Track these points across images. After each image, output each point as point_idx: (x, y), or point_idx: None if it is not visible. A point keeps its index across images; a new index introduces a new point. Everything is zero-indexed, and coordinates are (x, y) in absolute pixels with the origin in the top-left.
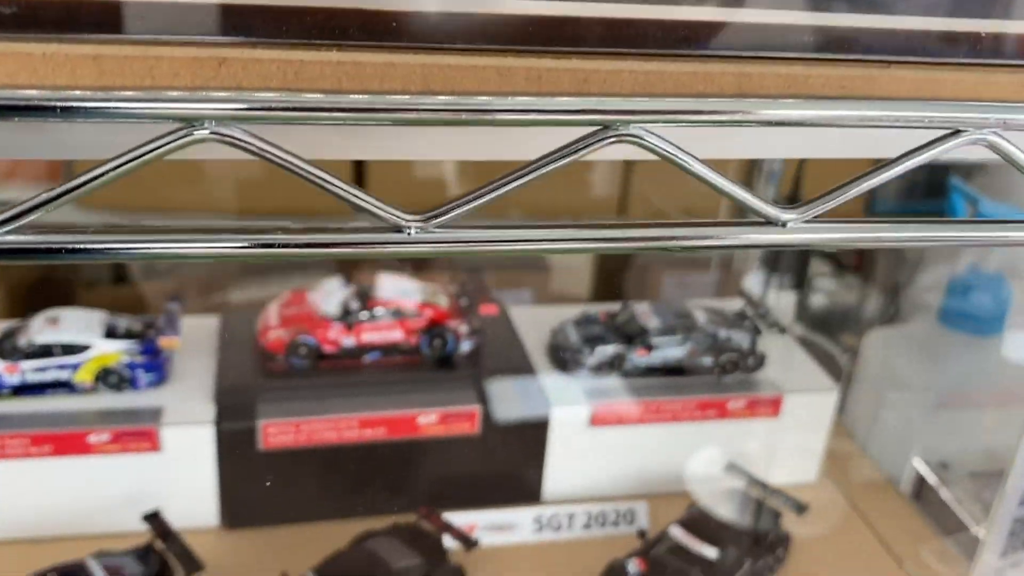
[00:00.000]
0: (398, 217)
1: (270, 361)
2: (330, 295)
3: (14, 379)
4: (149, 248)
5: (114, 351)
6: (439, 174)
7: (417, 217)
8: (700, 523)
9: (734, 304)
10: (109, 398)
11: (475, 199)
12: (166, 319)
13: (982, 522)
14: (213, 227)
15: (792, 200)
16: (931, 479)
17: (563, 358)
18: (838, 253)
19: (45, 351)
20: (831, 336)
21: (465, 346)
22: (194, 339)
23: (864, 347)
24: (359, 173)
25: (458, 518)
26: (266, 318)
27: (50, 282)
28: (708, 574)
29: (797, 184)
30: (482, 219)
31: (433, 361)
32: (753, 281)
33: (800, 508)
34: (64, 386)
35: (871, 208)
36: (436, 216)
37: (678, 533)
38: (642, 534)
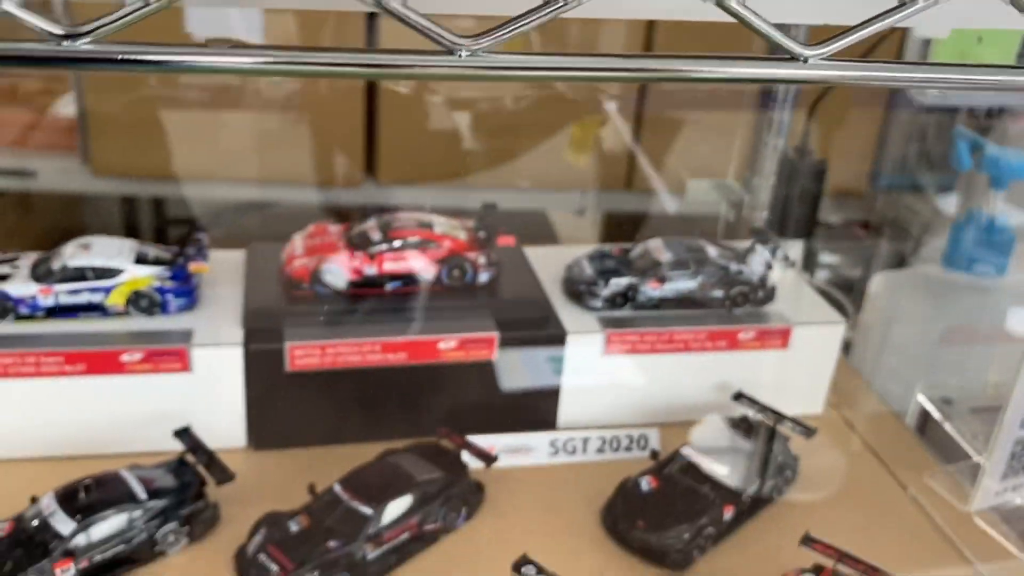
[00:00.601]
0: (450, 40)
1: (295, 289)
2: (353, 227)
3: (48, 301)
4: (207, 62)
5: (145, 276)
6: None
7: (469, 40)
8: (711, 445)
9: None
10: (140, 321)
11: (523, 24)
12: (194, 248)
13: (983, 452)
14: (273, 47)
15: None
16: (935, 413)
17: (578, 290)
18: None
19: (78, 275)
20: (838, 279)
21: (483, 277)
22: (222, 270)
23: (870, 289)
24: None
25: (476, 441)
26: (291, 248)
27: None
28: (718, 491)
29: None
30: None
31: (452, 291)
32: (764, 221)
33: (808, 432)
34: (96, 309)
35: (875, 179)
36: (487, 38)
37: (690, 453)
38: (655, 455)
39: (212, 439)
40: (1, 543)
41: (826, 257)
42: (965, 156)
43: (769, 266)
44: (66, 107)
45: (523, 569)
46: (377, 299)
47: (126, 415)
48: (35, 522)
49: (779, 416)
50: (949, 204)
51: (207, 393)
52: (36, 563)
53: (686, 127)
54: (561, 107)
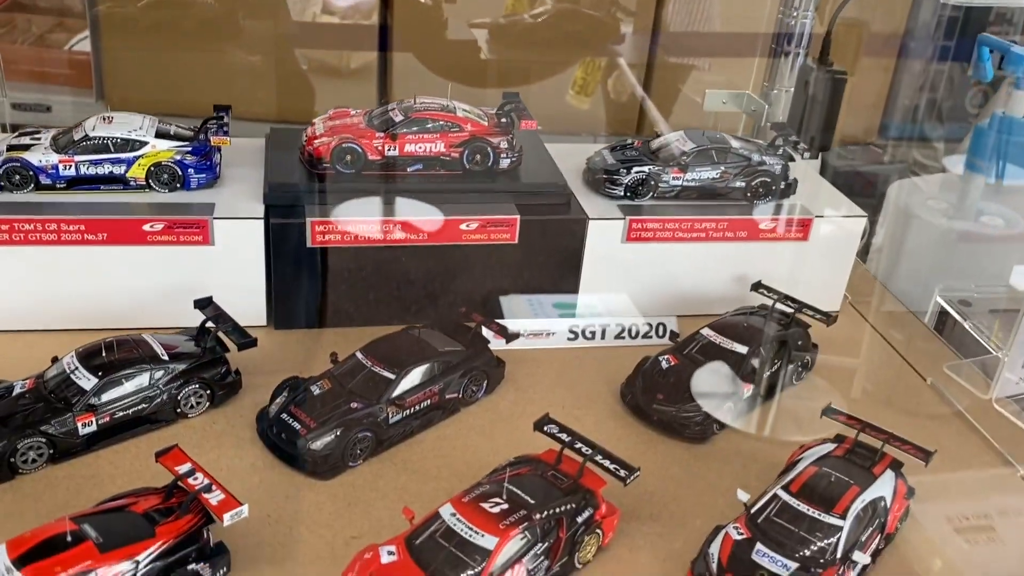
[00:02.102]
0: None
1: (316, 167)
2: (374, 109)
3: (69, 171)
4: None
5: (167, 149)
6: None
7: None
8: (731, 327)
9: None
10: (162, 195)
11: None
12: (216, 124)
13: (1002, 349)
14: None
15: None
16: (954, 313)
17: (599, 179)
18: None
19: (100, 147)
20: (855, 190)
21: (504, 162)
22: (242, 154)
23: (889, 194)
24: None
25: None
26: (312, 129)
27: None
28: (738, 368)
29: None
30: None
31: (473, 174)
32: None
33: (828, 318)
34: (117, 181)
35: (884, 130)
36: None
37: (709, 333)
38: (674, 336)
39: (233, 316)
40: (23, 397)
41: (843, 168)
42: (987, 64)
43: (791, 158)
44: (81, 44)
45: (545, 427)
46: (398, 180)
47: (147, 288)
48: (57, 378)
49: (799, 304)
50: (955, 164)
51: (229, 268)
52: (58, 416)
53: (697, 73)
54: (573, 47)
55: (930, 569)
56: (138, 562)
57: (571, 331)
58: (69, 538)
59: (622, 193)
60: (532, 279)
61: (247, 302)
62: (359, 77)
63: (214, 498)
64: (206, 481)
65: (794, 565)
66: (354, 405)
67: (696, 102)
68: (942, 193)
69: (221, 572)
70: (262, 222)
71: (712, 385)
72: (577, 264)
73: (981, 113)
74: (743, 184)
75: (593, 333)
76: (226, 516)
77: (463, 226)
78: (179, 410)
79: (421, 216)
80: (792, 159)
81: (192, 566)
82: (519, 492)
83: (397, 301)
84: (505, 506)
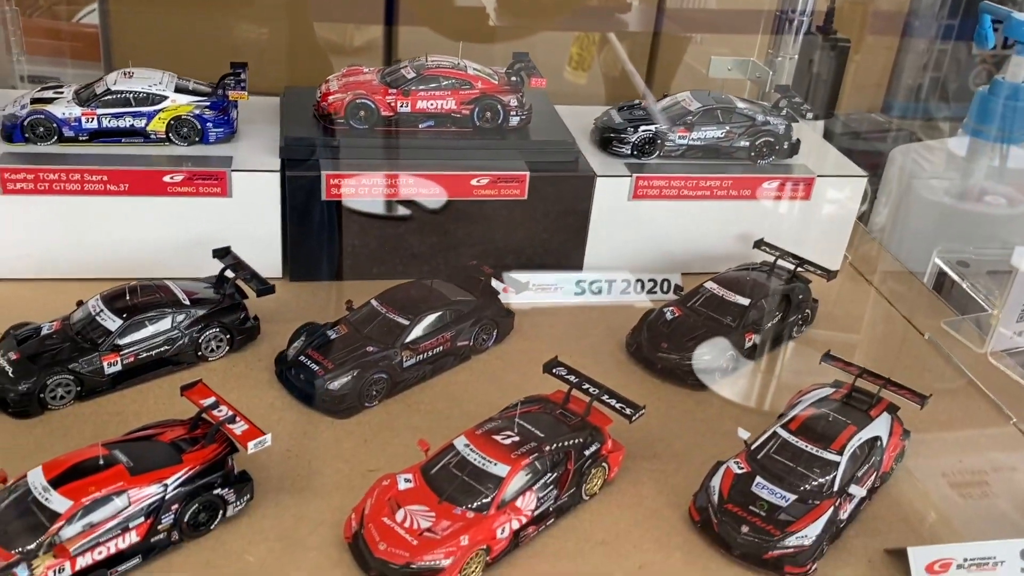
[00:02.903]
0: None
1: (330, 122)
2: (387, 67)
3: (91, 124)
4: None
5: (186, 103)
6: None
7: None
8: (734, 281)
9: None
10: (181, 148)
11: None
12: (233, 80)
13: (996, 307)
14: None
15: None
16: (951, 273)
17: (607, 138)
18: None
19: (122, 101)
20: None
21: (514, 120)
22: (258, 111)
23: (891, 159)
24: None
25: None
26: (326, 85)
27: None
28: (740, 320)
29: None
30: None
31: (483, 131)
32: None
33: (829, 274)
34: (138, 134)
35: (888, 108)
36: None
37: (713, 287)
38: (679, 290)
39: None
40: (51, 338)
41: (844, 136)
42: (989, 31)
43: (794, 119)
44: (89, 17)
45: (554, 369)
46: (410, 136)
47: (166, 237)
48: (84, 320)
49: (800, 260)
50: (958, 145)
51: (245, 220)
52: (85, 356)
53: (701, 43)
54: (580, 16)
55: (924, 521)
56: (166, 485)
57: (577, 285)
58: (101, 462)
59: (629, 151)
60: (540, 234)
61: (263, 253)
62: (364, 54)
63: (238, 428)
64: (229, 413)
65: (793, 496)
66: (370, 349)
67: (701, 72)
68: (945, 157)
69: (245, 498)
70: (278, 175)
71: (715, 335)
72: (584, 220)
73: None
74: (747, 144)
75: (599, 288)
76: (250, 444)
77: (474, 182)
78: (200, 353)
79: (433, 171)
80: (796, 120)
81: (217, 491)
82: (529, 427)
83: (409, 254)
84: (516, 438)
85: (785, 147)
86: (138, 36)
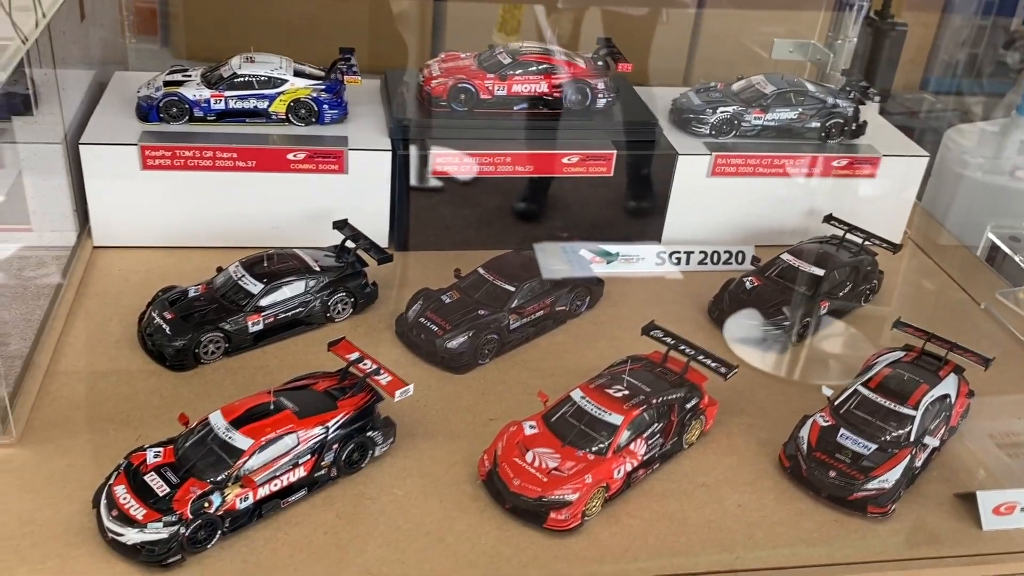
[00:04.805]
0: None
1: (434, 105)
2: (482, 52)
3: (219, 105)
4: None
5: (305, 87)
6: None
7: None
8: (808, 252)
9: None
10: (299, 128)
11: None
12: (346, 65)
13: None
14: None
15: None
16: (1004, 247)
17: (686, 119)
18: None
19: (246, 83)
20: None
21: (601, 102)
22: (360, 92)
23: (945, 138)
24: None
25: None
26: (428, 71)
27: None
28: (814, 288)
29: None
30: None
31: (572, 112)
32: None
33: (895, 247)
34: (260, 115)
35: (926, 84)
36: None
37: (788, 258)
38: (756, 261)
39: None
40: (199, 300)
41: (897, 115)
42: None
43: (861, 101)
44: None
45: (652, 332)
46: (505, 117)
47: (288, 210)
48: (227, 284)
49: (867, 234)
50: (1013, 126)
51: (359, 194)
52: (232, 316)
53: (746, 19)
54: None
55: (988, 470)
56: (328, 428)
57: (658, 256)
58: (272, 407)
59: (707, 131)
60: (624, 210)
61: (373, 225)
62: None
63: (383, 379)
64: (374, 366)
65: (874, 446)
66: (481, 312)
67: (739, 47)
68: (998, 136)
69: (389, 441)
70: (389, 153)
71: (792, 303)
72: (665, 196)
73: None
74: (818, 124)
75: (678, 259)
76: (397, 393)
77: (564, 160)
78: (328, 315)
79: (528, 150)
80: (863, 102)
81: (369, 433)
82: (636, 382)
83: (506, 226)
84: (626, 391)
85: (853, 128)
86: (194, 12)
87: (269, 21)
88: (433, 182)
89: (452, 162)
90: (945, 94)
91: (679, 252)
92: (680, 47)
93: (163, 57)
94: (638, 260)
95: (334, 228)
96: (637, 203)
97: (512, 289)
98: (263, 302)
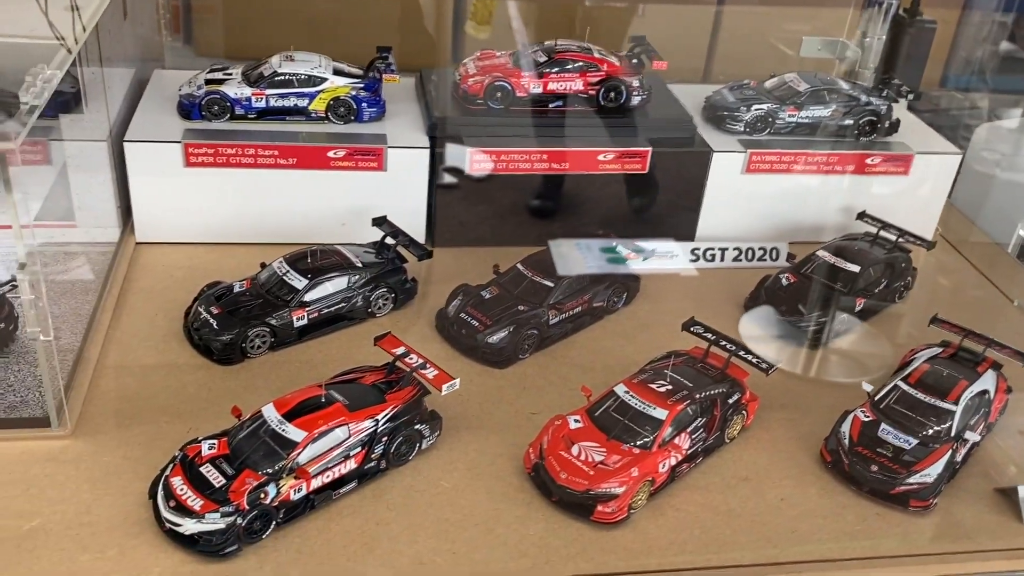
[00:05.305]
0: None
1: (471, 103)
2: (517, 52)
3: (260, 103)
4: None
5: (344, 85)
6: None
7: None
8: (843, 249)
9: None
10: (338, 126)
11: None
12: (384, 64)
13: None
14: None
15: None
16: None
17: (720, 116)
18: None
19: (286, 82)
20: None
21: (635, 99)
22: (395, 90)
23: (975, 137)
24: None
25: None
26: (464, 69)
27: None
28: (849, 285)
29: None
30: None
31: (607, 110)
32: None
33: (929, 244)
34: (300, 113)
35: (945, 81)
36: None
37: (824, 255)
38: (791, 257)
39: None
40: (243, 295)
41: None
42: None
43: (894, 99)
44: None
45: (692, 328)
46: (541, 115)
47: (327, 207)
48: (272, 279)
49: (901, 231)
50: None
51: (397, 192)
52: (278, 311)
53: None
54: None
55: (1004, 474)
56: (377, 420)
57: (693, 253)
58: (323, 400)
59: (742, 129)
60: (658, 206)
61: (409, 222)
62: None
63: (429, 373)
64: (420, 360)
65: (915, 441)
66: (521, 308)
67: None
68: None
69: (436, 434)
70: (427, 151)
71: (828, 301)
72: (699, 193)
73: None
74: (851, 122)
75: (713, 255)
76: (444, 387)
77: (600, 157)
78: (369, 310)
79: (564, 147)
80: (896, 100)
81: (416, 426)
82: (679, 377)
83: (541, 222)
84: (669, 387)
85: (886, 125)
86: (217, 9)
87: (293, 19)
88: (469, 179)
89: (489, 159)
90: (963, 91)
91: (713, 249)
92: (699, 45)
93: (186, 54)
94: (673, 256)
95: (373, 225)
96: (641, 200)
97: (551, 285)
98: (307, 297)
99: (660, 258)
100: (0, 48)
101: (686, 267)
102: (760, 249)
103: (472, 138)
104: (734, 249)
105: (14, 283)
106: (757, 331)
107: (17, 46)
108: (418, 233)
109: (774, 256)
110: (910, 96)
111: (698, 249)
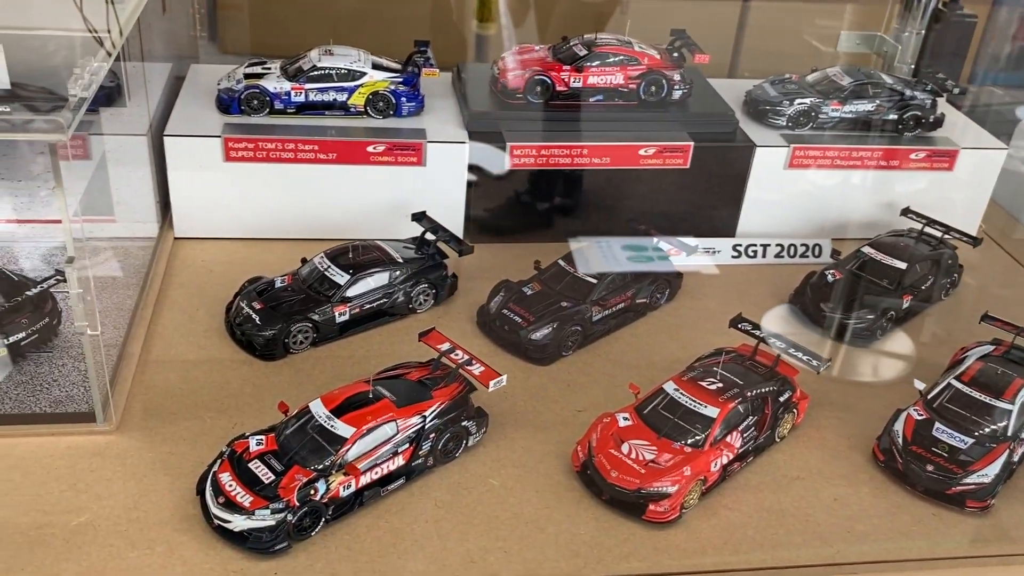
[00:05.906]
0: None
1: (510, 97)
2: (557, 44)
3: (299, 98)
4: None
5: (383, 80)
6: None
7: None
8: (889, 246)
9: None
10: (376, 121)
11: None
12: (422, 58)
13: None
14: None
15: None
16: None
17: (762, 110)
18: None
19: (325, 76)
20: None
21: (677, 93)
22: (432, 85)
23: (1017, 131)
24: None
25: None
26: (503, 64)
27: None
28: (896, 282)
29: None
30: None
31: (648, 104)
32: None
33: (975, 241)
34: (340, 107)
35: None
36: None
37: (870, 251)
38: (836, 253)
39: None
40: (285, 290)
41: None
42: None
43: (939, 93)
44: None
45: (740, 325)
46: (582, 109)
47: (367, 202)
48: (314, 275)
49: (946, 227)
50: None
51: (436, 186)
52: (320, 306)
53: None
54: None
55: None
56: (425, 417)
57: (735, 249)
58: (371, 396)
59: (784, 123)
60: (699, 201)
61: (447, 217)
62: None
63: (476, 369)
64: (466, 356)
65: (971, 440)
66: (564, 304)
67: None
68: None
69: (482, 431)
70: (467, 146)
71: (875, 296)
72: (741, 188)
73: None
74: (895, 117)
75: (755, 252)
76: (491, 384)
77: (641, 151)
78: (411, 306)
79: (605, 142)
80: (940, 95)
81: (463, 423)
82: (729, 375)
83: (581, 217)
84: (720, 385)
85: (931, 120)
86: (240, 8)
87: (317, 17)
88: (510, 174)
89: (529, 154)
90: (989, 86)
91: (755, 245)
92: (726, 39)
93: (210, 51)
94: (715, 252)
95: (413, 220)
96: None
97: (594, 281)
98: (349, 293)
99: (702, 254)
100: (40, 41)
101: (727, 262)
102: (803, 245)
103: (511, 132)
104: (776, 245)
105: (59, 277)
106: (801, 328)
107: (56, 38)
108: (457, 228)
109: (816, 252)
110: (955, 90)
111: (740, 245)
